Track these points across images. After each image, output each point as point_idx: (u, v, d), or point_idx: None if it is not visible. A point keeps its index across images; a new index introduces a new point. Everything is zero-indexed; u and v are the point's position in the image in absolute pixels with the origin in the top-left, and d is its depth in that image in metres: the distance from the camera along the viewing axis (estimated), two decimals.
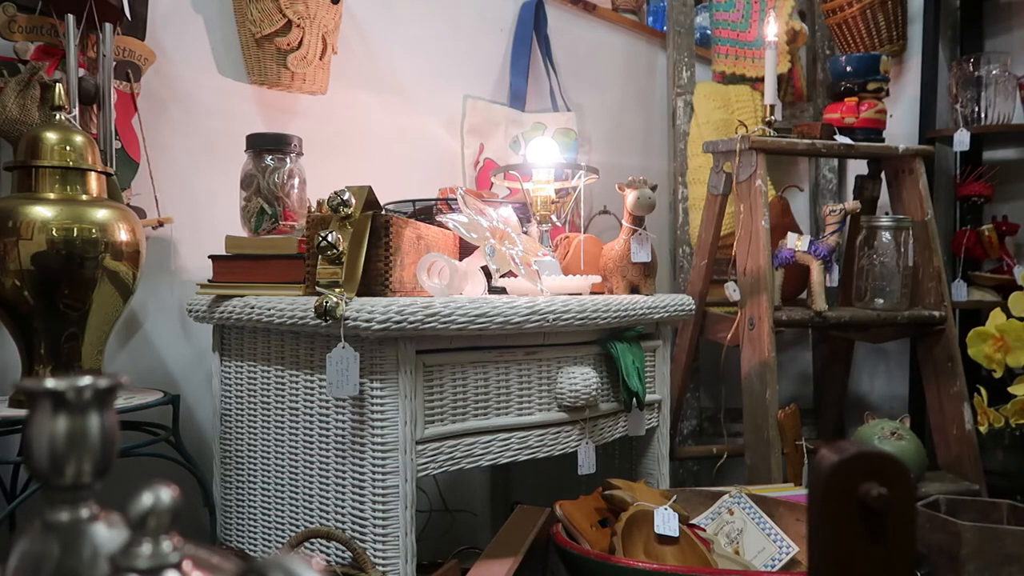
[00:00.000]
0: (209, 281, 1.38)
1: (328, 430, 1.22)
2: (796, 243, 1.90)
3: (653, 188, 1.46)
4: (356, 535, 1.18)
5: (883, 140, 2.10)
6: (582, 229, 1.67)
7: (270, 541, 1.35)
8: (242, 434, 1.40)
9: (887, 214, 2.03)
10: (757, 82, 2.34)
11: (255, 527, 1.38)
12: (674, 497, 1.38)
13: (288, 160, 1.50)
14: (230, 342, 1.43)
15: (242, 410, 1.39)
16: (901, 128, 2.34)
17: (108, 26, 1.36)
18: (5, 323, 1.25)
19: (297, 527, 1.29)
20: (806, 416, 2.29)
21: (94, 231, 1.20)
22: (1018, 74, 2.15)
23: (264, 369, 1.35)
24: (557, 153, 1.65)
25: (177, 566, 0.39)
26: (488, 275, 1.38)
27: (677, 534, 1.30)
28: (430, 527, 1.73)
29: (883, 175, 2.10)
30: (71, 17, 1.32)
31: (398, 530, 1.15)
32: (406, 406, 1.14)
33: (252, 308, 1.29)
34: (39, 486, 0.63)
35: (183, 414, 1.45)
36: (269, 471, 1.34)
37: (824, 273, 1.87)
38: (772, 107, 1.92)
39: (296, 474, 1.29)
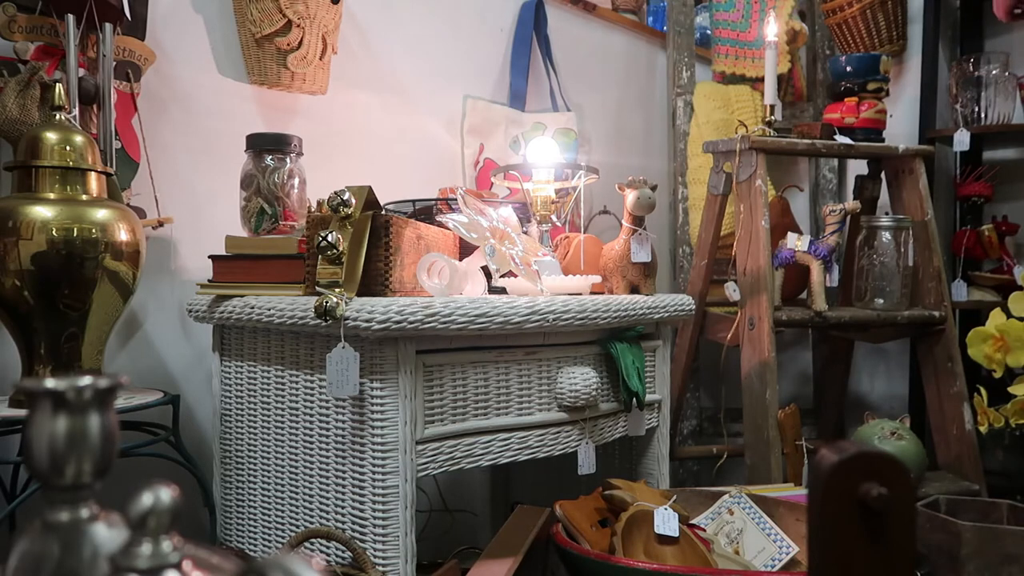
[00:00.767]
0: (209, 281, 1.38)
1: (328, 430, 1.22)
2: (796, 243, 1.90)
3: (653, 188, 1.46)
4: (356, 535, 1.18)
5: (883, 140, 2.10)
6: (582, 229, 1.67)
7: (270, 541, 1.35)
8: (242, 434, 1.40)
9: (887, 214, 2.03)
10: (757, 82, 2.34)
11: (255, 527, 1.38)
12: (674, 497, 1.38)
13: (288, 160, 1.50)
14: (230, 342, 1.43)
15: (242, 410, 1.39)
16: (901, 128, 2.34)
17: (108, 26, 1.36)
18: (5, 323, 1.25)
19: (297, 527, 1.29)
20: (806, 416, 2.29)
21: (94, 231, 1.20)
22: (1018, 74, 2.15)
23: (264, 369, 1.35)
24: (557, 153, 1.65)
25: (177, 566, 0.39)
26: (488, 275, 1.38)
27: (677, 534, 1.30)
28: (430, 527, 1.73)
29: (883, 175, 2.10)
30: (71, 17, 1.32)
31: (398, 530, 1.15)
32: (406, 406, 1.14)
33: (252, 308, 1.29)
34: (39, 486, 0.63)
35: (183, 414, 1.45)
36: (269, 471, 1.34)
37: (824, 273, 1.87)
38: (772, 107, 1.92)
39: (296, 474, 1.29)
